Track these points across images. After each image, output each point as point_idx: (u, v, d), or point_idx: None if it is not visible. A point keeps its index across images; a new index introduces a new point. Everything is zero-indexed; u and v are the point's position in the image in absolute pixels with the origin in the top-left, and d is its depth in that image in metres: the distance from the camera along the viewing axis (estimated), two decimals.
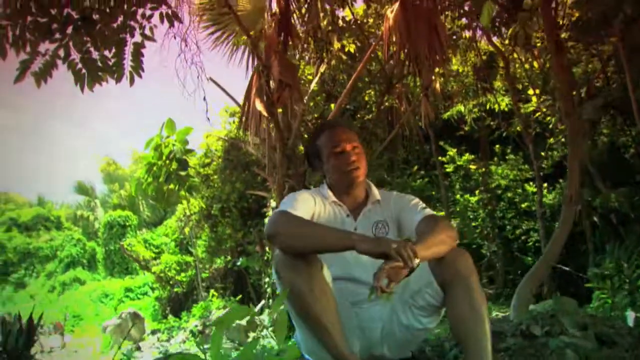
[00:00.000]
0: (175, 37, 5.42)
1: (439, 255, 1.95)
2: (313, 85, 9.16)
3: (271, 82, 5.87)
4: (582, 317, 2.86)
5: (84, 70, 4.86)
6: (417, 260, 1.79)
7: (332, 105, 8.88)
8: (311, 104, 9.05)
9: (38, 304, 21.27)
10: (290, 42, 6.02)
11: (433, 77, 9.03)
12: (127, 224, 23.79)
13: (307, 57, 9.86)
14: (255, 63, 6.48)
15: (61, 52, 4.70)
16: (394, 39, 6.58)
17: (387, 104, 9.46)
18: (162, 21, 4.96)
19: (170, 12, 5.04)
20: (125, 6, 4.83)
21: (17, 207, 30.88)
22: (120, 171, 30.61)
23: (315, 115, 9.29)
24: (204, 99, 5.63)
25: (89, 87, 4.93)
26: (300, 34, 8.76)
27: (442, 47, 6.44)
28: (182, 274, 14.19)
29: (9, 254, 25.63)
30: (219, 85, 7.93)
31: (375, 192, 2.35)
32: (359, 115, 9.98)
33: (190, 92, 5.55)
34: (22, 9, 4.36)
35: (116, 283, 22.33)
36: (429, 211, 2.20)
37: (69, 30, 4.67)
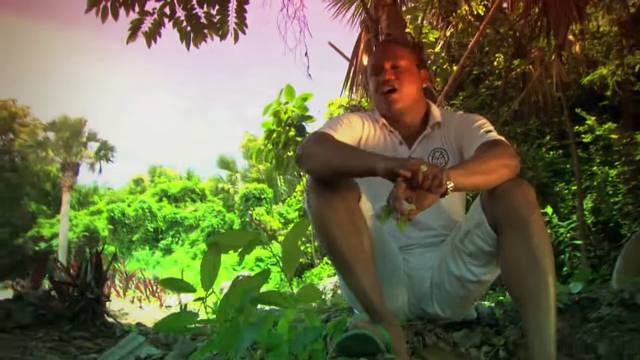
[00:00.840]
0: None
1: (484, 186, 1.56)
2: (437, 49, 8.68)
3: (380, 37, 5.57)
4: None
5: (189, 28, 4.94)
6: (450, 184, 1.42)
7: (454, 68, 8.34)
8: (433, 67, 8.57)
9: (179, 268, 22.90)
10: None
11: (571, 38, 8.17)
12: (263, 196, 24.67)
13: (434, 22, 9.40)
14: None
15: (167, 10, 4.80)
16: None
17: (518, 69, 8.73)
18: None
19: None
20: None
21: (168, 180, 33.35)
22: None
23: (438, 80, 8.80)
24: (306, 54, 5.45)
25: (195, 44, 5.01)
26: None
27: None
28: (307, 244, 14.35)
29: (159, 222, 27.69)
30: (338, 50, 7.75)
31: (436, 113, 1.97)
32: (487, 82, 9.32)
33: (291, 47, 5.35)
34: None
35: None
36: (493, 135, 1.76)
37: None
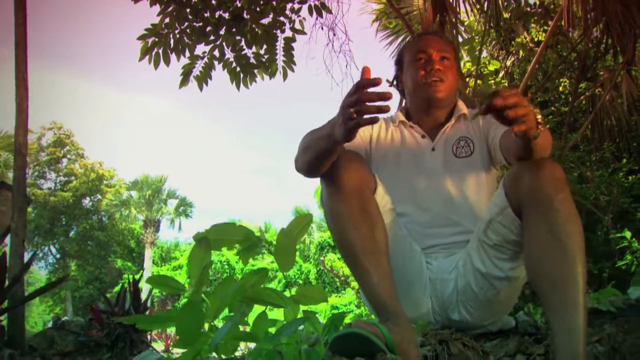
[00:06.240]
0: (322, 28, 5.33)
1: (544, 147, 1.39)
2: (498, 78, 8.48)
3: None
4: None
5: (238, 69, 5.05)
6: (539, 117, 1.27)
7: None
8: None
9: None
10: (447, 20, 5.54)
11: None
12: None
13: (494, 54, 9.23)
14: None
15: (216, 53, 4.93)
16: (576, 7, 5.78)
17: (587, 93, 8.33)
18: (310, 13, 4.95)
19: (319, 3, 5.01)
20: (275, 2, 4.90)
21: None
22: None
23: None
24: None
25: (244, 85, 5.10)
26: (481, 26, 8.22)
27: None
28: None
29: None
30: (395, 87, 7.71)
31: (462, 106, 1.90)
32: (553, 108, 8.95)
33: (338, 82, 5.33)
34: (177, 16, 4.63)
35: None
36: None
37: (222, 31, 4.88)
